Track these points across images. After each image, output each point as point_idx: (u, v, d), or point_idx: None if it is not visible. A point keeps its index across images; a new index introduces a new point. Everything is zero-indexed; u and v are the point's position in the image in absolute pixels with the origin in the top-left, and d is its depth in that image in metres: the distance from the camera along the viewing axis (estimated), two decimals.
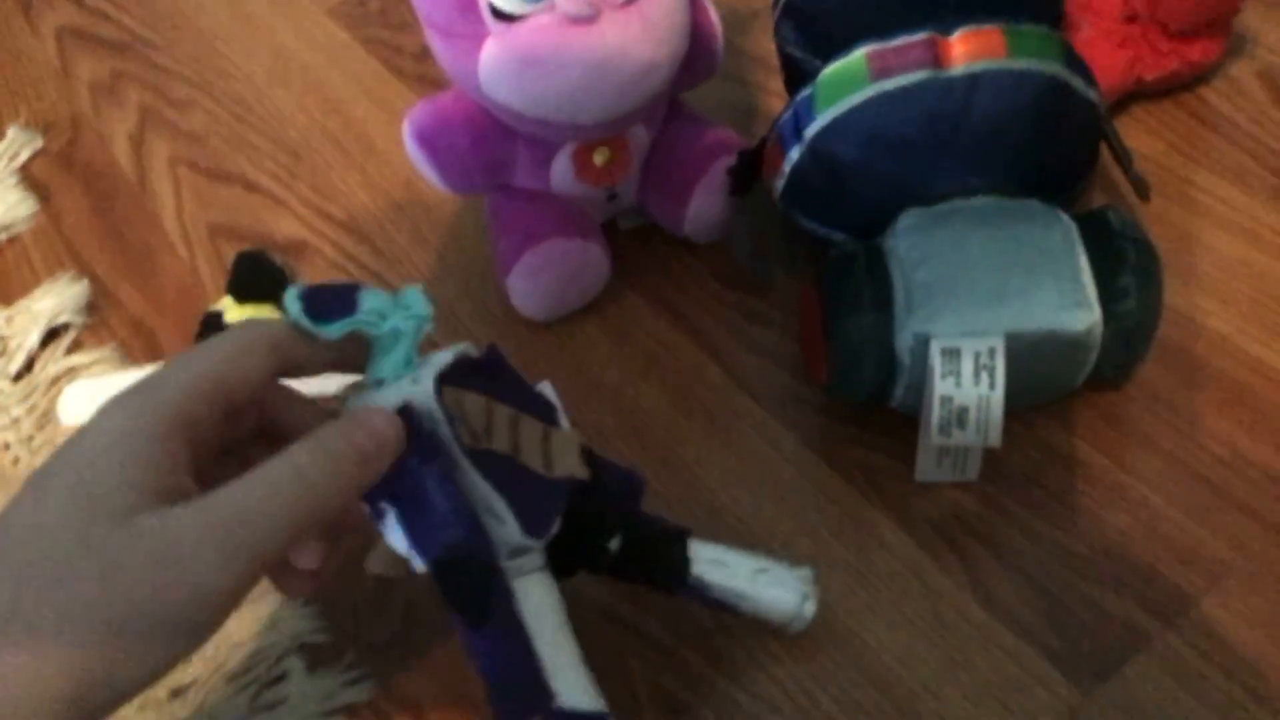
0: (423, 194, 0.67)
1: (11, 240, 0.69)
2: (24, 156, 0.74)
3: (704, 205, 0.57)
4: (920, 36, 0.48)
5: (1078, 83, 0.48)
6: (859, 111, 0.48)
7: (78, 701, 0.28)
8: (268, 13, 0.84)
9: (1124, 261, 0.46)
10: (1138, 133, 0.61)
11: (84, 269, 0.66)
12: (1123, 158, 0.52)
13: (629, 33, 0.48)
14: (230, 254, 0.62)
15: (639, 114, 0.53)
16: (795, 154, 0.51)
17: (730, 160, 0.57)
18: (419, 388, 0.36)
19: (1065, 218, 0.47)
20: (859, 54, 0.49)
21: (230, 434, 0.35)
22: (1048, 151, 0.49)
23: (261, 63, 0.79)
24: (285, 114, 0.75)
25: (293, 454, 0.33)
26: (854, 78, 0.48)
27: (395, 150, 0.69)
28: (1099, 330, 0.46)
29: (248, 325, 0.36)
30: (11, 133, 0.76)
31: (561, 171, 0.56)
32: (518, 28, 0.48)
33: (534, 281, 0.56)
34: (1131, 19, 0.58)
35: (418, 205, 0.66)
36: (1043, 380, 0.48)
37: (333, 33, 0.81)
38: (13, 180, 0.72)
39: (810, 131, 0.50)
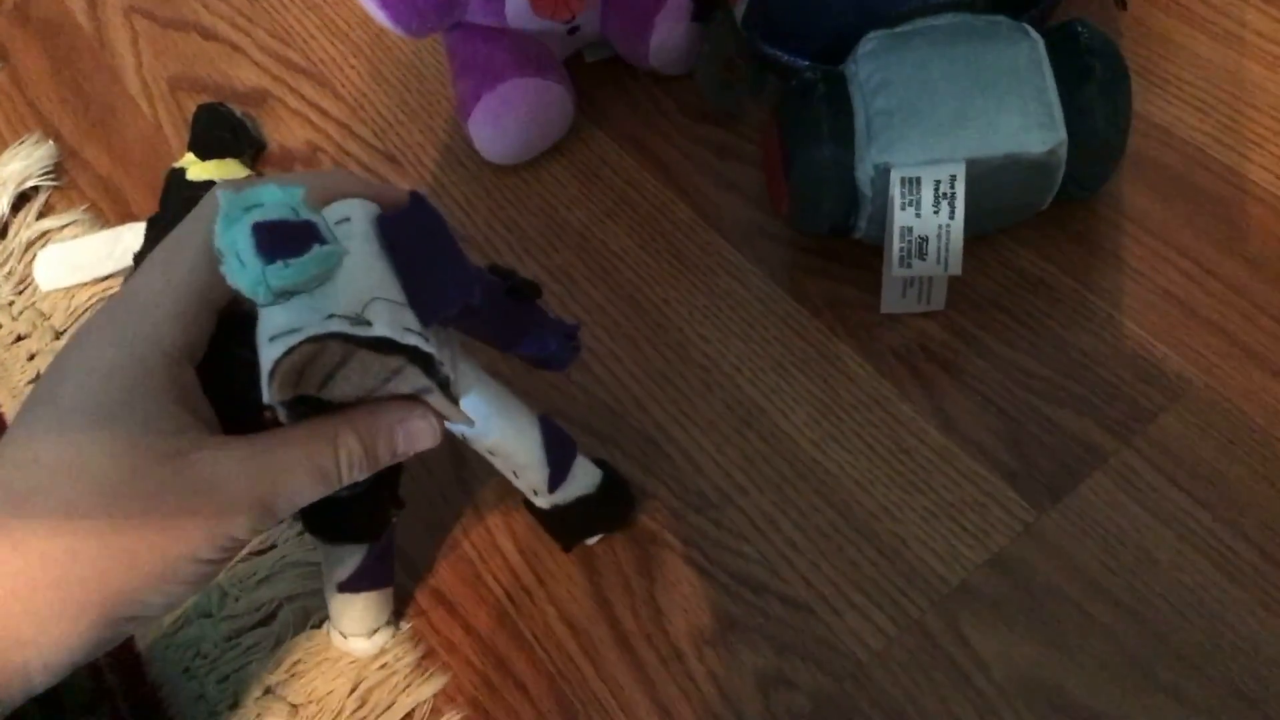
0: (382, 34, 0.65)
1: None
2: None
3: (667, 33, 0.55)
4: None
5: None
6: None
7: (108, 601, 0.29)
8: None
9: (1090, 77, 0.44)
10: None
11: (49, 130, 0.65)
12: None
13: None
14: (192, 107, 0.61)
15: None
16: None
17: None
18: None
19: (1032, 34, 0.45)
20: None
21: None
22: None
23: None
24: None
25: (340, 435, 0.31)
26: None
27: None
28: (1063, 150, 0.45)
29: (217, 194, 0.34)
30: None
31: (517, 4, 0.54)
32: None
33: (495, 124, 0.55)
34: None
35: (377, 46, 0.65)
36: (1008, 203, 0.47)
37: None
38: None
39: None
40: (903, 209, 0.44)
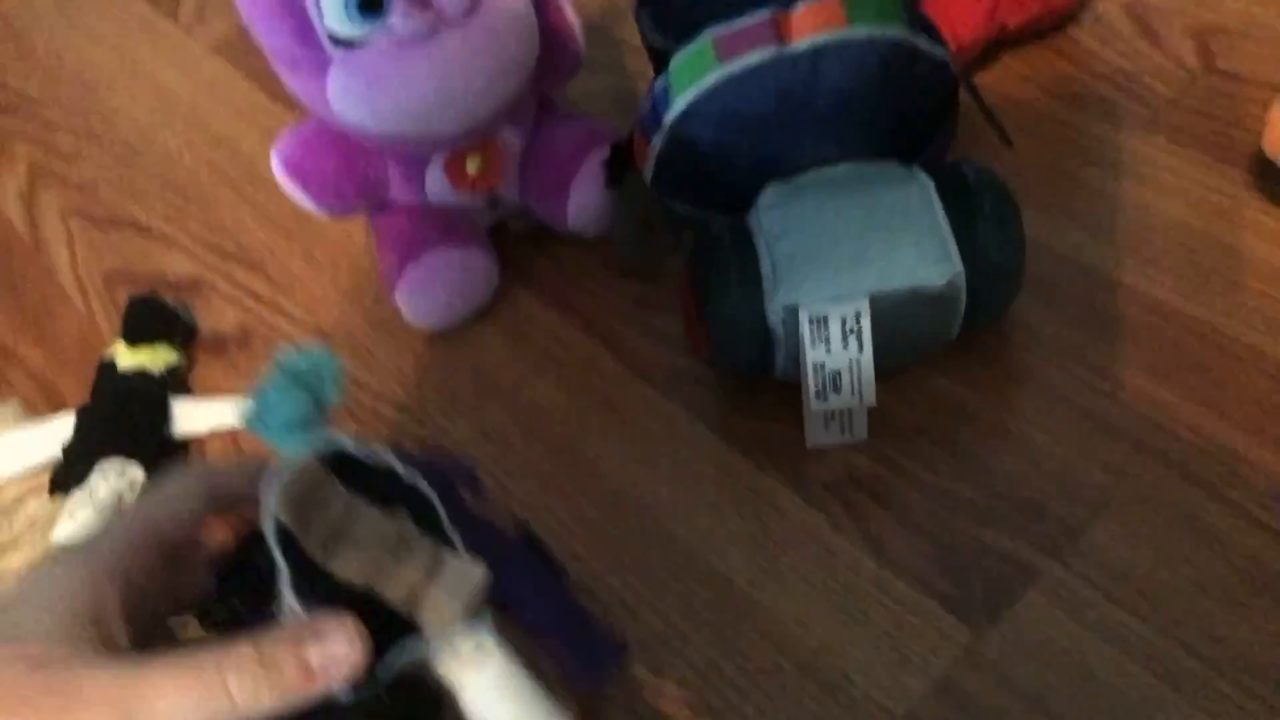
0: (311, 218, 0.67)
1: None
2: None
3: (584, 198, 0.58)
4: (762, 16, 0.48)
5: (923, 42, 0.48)
6: (711, 94, 0.49)
7: None
8: (150, 56, 0.83)
9: (980, 213, 0.47)
10: (1010, 78, 0.62)
11: None
12: (983, 109, 0.53)
13: (471, 45, 0.48)
14: (126, 299, 0.62)
15: (501, 118, 0.54)
16: (658, 142, 0.51)
17: (603, 153, 0.57)
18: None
19: (921, 176, 0.48)
20: (705, 38, 0.49)
21: (175, 576, 0.35)
22: (900, 114, 0.50)
23: (147, 106, 0.79)
24: (172, 154, 0.75)
25: (227, 658, 0.30)
26: (703, 62, 0.49)
27: None
28: (961, 282, 0.46)
29: (181, 472, 0.36)
30: None
31: (435, 183, 0.56)
32: (359, 52, 0.48)
33: (421, 294, 0.56)
34: None
35: (308, 230, 0.66)
36: (916, 335, 0.49)
37: (216, 68, 0.81)
38: None
39: (669, 118, 0.50)
40: (813, 346, 0.46)
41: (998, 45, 0.63)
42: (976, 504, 0.47)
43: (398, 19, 0.47)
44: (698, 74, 0.49)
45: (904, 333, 0.48)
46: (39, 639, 0.30)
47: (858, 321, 0.45)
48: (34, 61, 0.86)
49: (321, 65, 0.49)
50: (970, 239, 0.47)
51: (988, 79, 0.62)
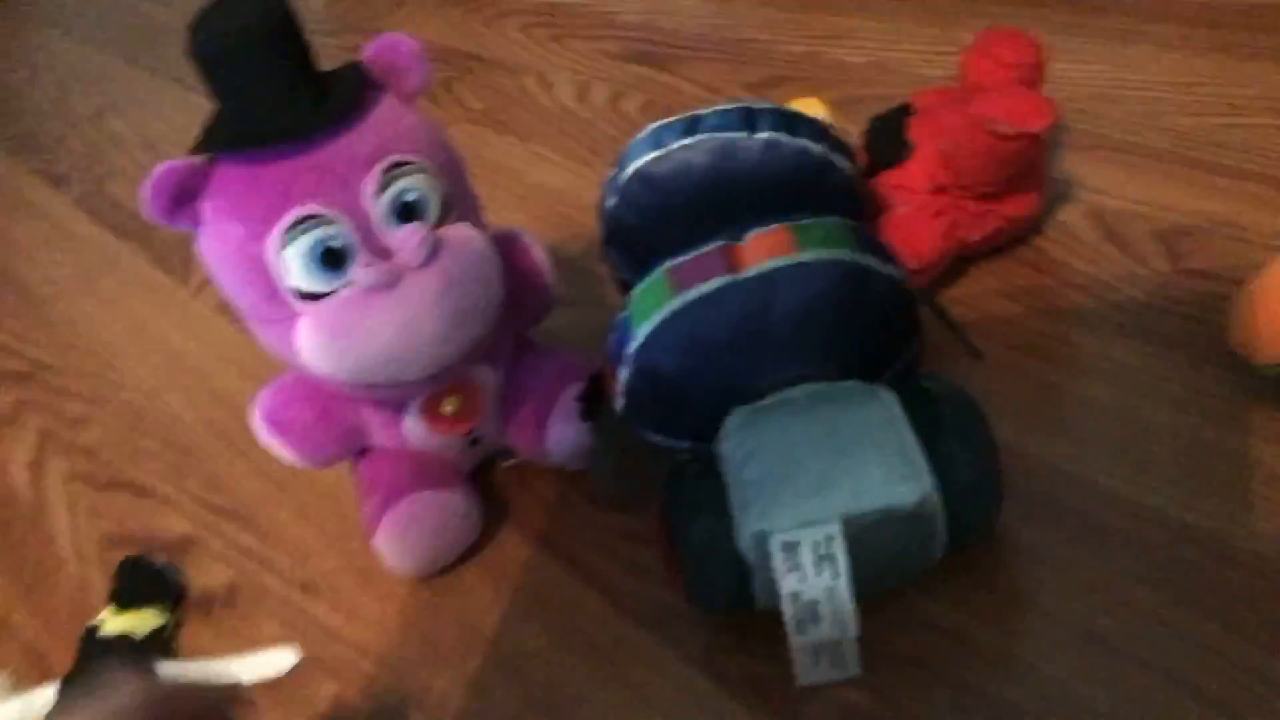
0: (305, 470, 0.67)
1: None
2: None
3: (563, 433, 0.58)
4: (713, 246, 0.49)
5: (873, 262, 0.49)
6: (670, 323, 0.49)
7: None
8: (159, 320, 0.87)
9: (943, 426, 0.46)
10: (981, 291, 0.63)
11: None
12: (948, 323, 0.53)
13: (431, 290, 0.49)
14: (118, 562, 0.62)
15: (474, 359, 0.55)
16: (625, 374, 0.51)
17: (578, 387, 0.58)
18: None
19: (884, 393, 0.48)
20: (660, 271, 0.50)
21: None
22: (859, 332, 0.50)
23: (154, 369, 0.82)
24: (176, 414, 0.76)
25: None
26: (660, 292, 0.50)
27: None
28: (935, 498, 0.45)
29: (119, 684, 0.35)
30: None
31: (414, 427, 0.57)
32: (324, 304, 0.49)
33: (400, 540, 0.56)
34: (941, 190, 0.61)
35: (300, 482, 0.67)
36: (898, 557, 0.47)
37: (220, 328, 0.84)
38: None
39: (631, 350, 0.51)
40: (787, 574, 0.44)
41: (966, 259, 0.63)
42: None
43: (359, 271, 0.49)
44: (656, 304, 0.50)
45: (884, 556, 0.46)
46: None
47: (829, 547, 0.44)
48: (51, 330, 0.90)
49: (290, 320, 0.50)
50: (938, 453, 0.46)
51: (958, 293, 0.63)
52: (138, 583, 0.60)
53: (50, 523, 0.71)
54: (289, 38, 0.47)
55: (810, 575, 0.44)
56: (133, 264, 0.97)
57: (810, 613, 0.44)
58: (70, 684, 0.55)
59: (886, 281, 0.50)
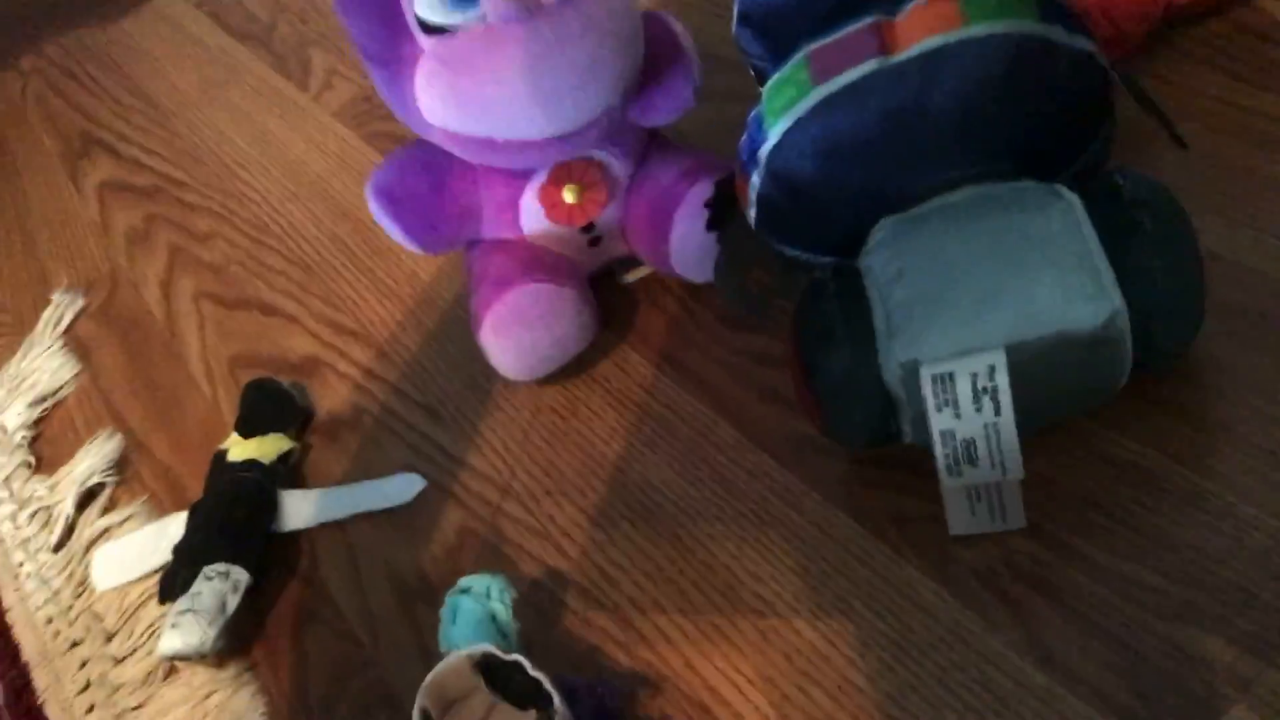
0: (428, 289, 0.64)
1: (57, 406, 0.70)
2: (67, 320, 0.76)
3: (687, 234, 0.52)
4: (863, 24, 0.42)
5: (1059, 34, 0.40)
6: (807, 122, 0.42)
7: None
8: (281, 129, 0.84)
9: (1139, 233, 0.38)
10: (1187, 65, 0.53)
11: (119, 423, 0.67)
12: (1148, 105, 0.44)
13: (568, 30, 0.45)
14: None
15: (598, 134, 0.49)
16: (756, 179, 0.45)
17: (707, 190, 0.52)
18: None
19: (1066, 194, 0.40)
20: (799, 56, 0.43)
21: None
22: (1035, 121, 0.42)
23: (277, 181, 0.79)
24: (298, 228, 0.74)
25: None
26: (797, 84, 0.43)
27: (401, 248, 0.67)
28: (1123, 319, 0.38)
29: None
30: (56, 297, 0.78)
31: (530, 212, 0.52)
32: (449, 40, 0.46)
33: (506, 336, 0.52)
34: None
35: (423, 302, 0.64)
36: (1073, 387, 0.40)
37: (341, 135, 0.80)
38: (58, 345, 0.74)
39: (764, 151, 0.44)
40: (939, 410, 0.38)
41: (1169, 26, 0.53)
42: (1165, 593, 0.38)
43: (492, 7, 0.45)
44: (793, 97, 0.43)
45: (1056, 386, 0.40)
46: None
47: (991, 378, 0.38)
48: (178, 144, 0.89)
49: (410, 59, 0.47)
50: (1130, 266, 0.38)
51: (1160, 68, 0.52)
52: (264, 406, 0.59)
53: (181, 343, 0.70)
54: None
55: (967, 411, 0.38)
56: (254, 70, 0.94)
57: (966, 453, 0.38)
58: (197, 512, 0.55)
59: (1073, 55, 0.41)
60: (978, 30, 0.40)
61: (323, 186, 0.76)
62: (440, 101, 0.47)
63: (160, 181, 0.86)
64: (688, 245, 0.52)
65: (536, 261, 0.53)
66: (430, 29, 0.46)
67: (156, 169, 0.87)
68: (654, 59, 0.51)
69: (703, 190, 0.52)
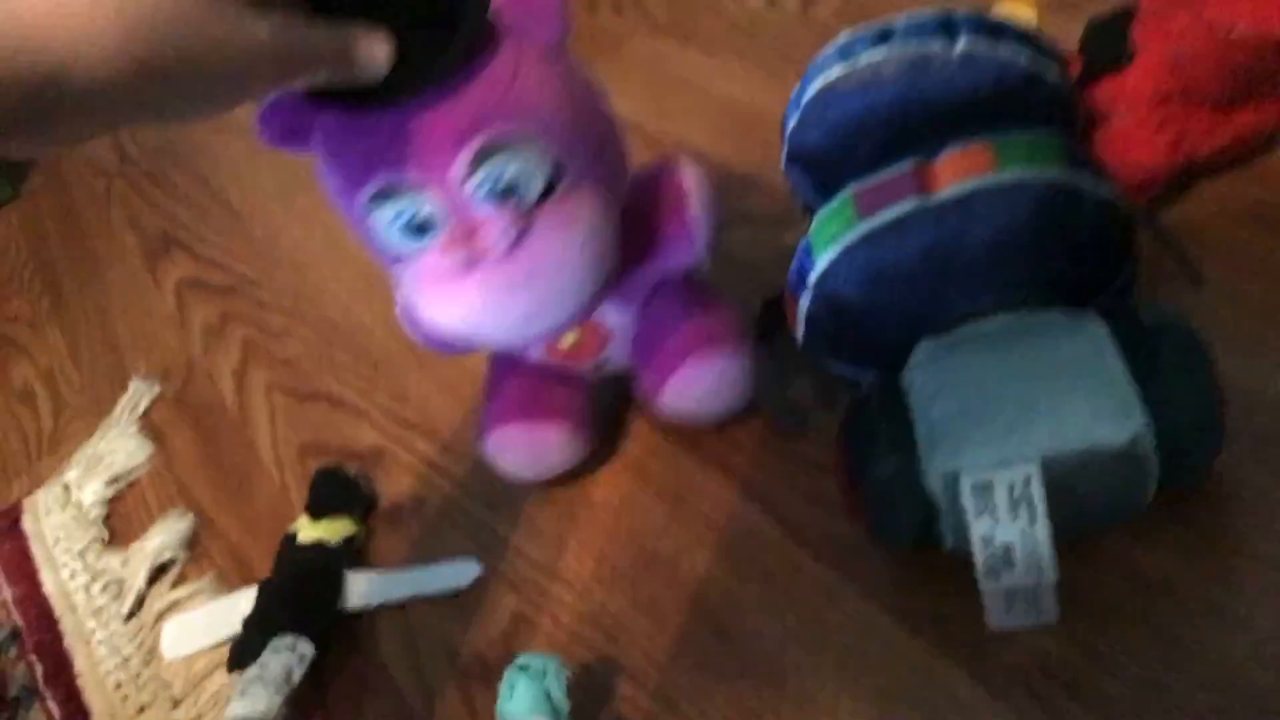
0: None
1: (131, 485, 0.74)
2: (144, 405, 0.80)
3: (678, 398, 0.55)
4: (904, 167, 0.46)
5: (1085, 182, 0.45)
6: (854, 251, 0.47)
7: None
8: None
9: (1160, 359, 0.42)
10: (1207, 212, 0.57)
11: (191, 503, 0.70)
12: (1168, 244, 0.48)
13: (509, 281, 0.45)
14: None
15: (582, 317, 0.50)
16: (805, 301, 0.49)
17: (700, 371, 0.54)
18: None
19: (1092, 322, 0.44)
20: (846, 194, 0.48)
21: None
22: (1062, 259, 0.46)
23: (347, 284, 0.84)
24: (367, 327, 0.79)
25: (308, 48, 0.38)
26: (844, 218, 0.47)
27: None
28: (1148, 437, 0.41)
29: None
30: (133, 384, 0.82)
31: (534, 349, 0.57)
32: (413, 264, 0.47)
33: (498, 460, 0.58)
34: (1166, 99, 0.55)
35: (482, 398, 0.68)
36: (1103, 500, 0.43)
37: None
38: (133, 429, 0.78)
39: (813, 277, 0.48)
40: (978, 517, 0.41)
41: (1191, 176, 0.57)
42: (1191, 698, 0.41)
43: (435, 251, 0.46)
44: (839, 230, 0.47)
45: (1087, 499, 0.43)
46: None
47: (1027, 488, 0.41)
48: (253, 246, 0.94)
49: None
50: (1155, 388, 0.42)
51: (1181, 213, 0.57)
52: (332, 492, 0.63)
53: (253, 431, 0.75)
54: None
55: (1004, 519, 0.41)
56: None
57: (1004, 558, 0.41)
58: (267, 588, 0.58)
59: (1098, 203, 0.45)
60: (1009, 176, 0.44)
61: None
62: (412, 308, 0.49)
63: (236, 280, 0.91)
64: (677, 407, 0.56)
65: (540, 391, 0.57)
66: (397, 255, 0.47)
67: (233, 269, 0.93)
68: (661, 216, 0.53)
69: (694, 372, 0.54)
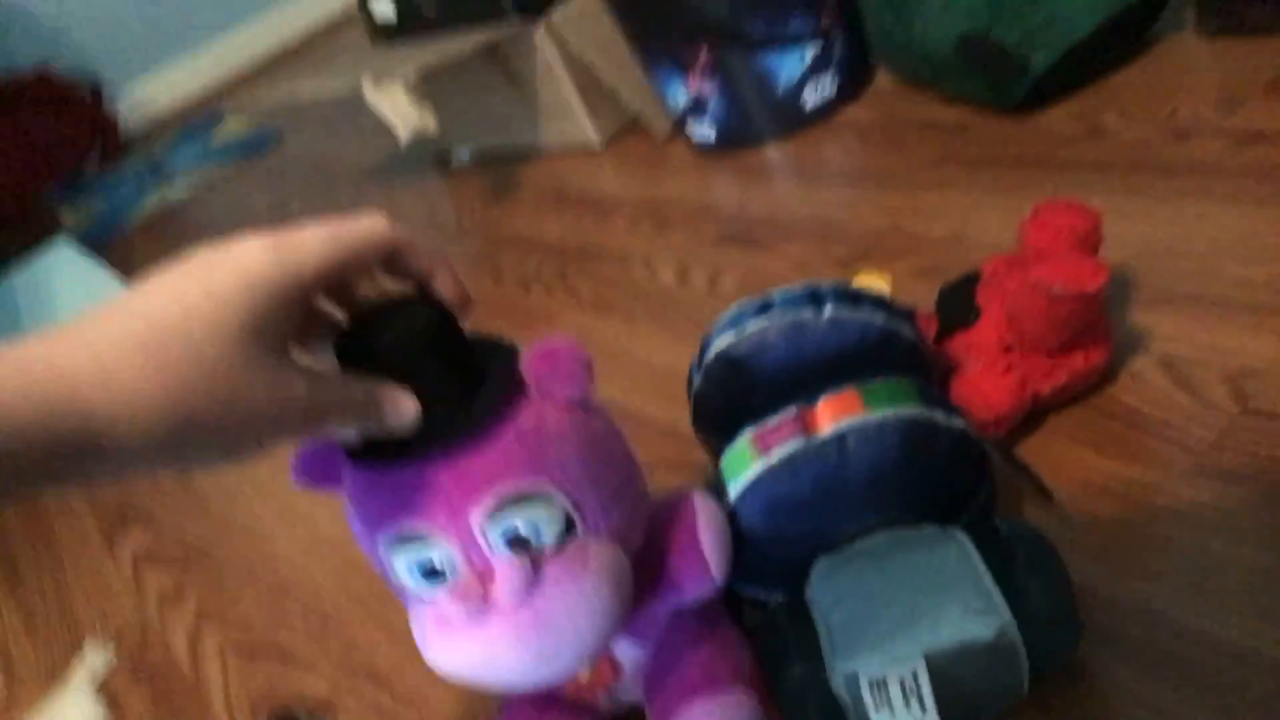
0: None
1: None
2: (98, 669, 0.83)
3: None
4: (790, 412, 0.55)
5: (939, 418, 0.54)
6: (756, 485, 0.54)
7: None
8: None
9: (1016, 561, 0.50)
10: (1058, 439, 0.66)
11: None
12: (1018, 467, 0.57)
13: (518, 634, 0.46)
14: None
15: (590, 661, 0.51)
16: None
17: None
18: None
19: (959, 535, 0.52)
20: (745, 437, 0.56)
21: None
22: (928, 481, 0.54)
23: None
24: (319, 585, 0.84)
25: (352, 400, 0.42)
26: (746, 458, 0.55)
27: None
28: (1013, 631, 0.48)
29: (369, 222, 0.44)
30: (88, 648, 0.85)
31: None
32: (423, 610, 0.48)
33: None
34: (1008, 348, 0.65)
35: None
36: (984, 690, 0.50)
37: None
38: (88, 694, 0.80)
39: (725, 505, 0.56)
40: (878, 711, 0.47)
41: (1042, 411, 0.67)
42: None
43: (445, 598, 0.46)
44: (742, 469, 0.55)
45: (970, 689, 0.49)
46: (268, 330, 0.38)
47: (916, 682, 0.47)
48: (208, 519, 1.00)
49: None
50: (1013, 589, 0.49)
51: (1033, 443, 0.66)
52: None
53: (207, 691, 0.78)
54: (428, 351, 0.46)
55: (900, 711, 0.47)
56: (281, 451, 1.07)
57: None
58: None
59: (952, 433, 0.54)
60: (875, 415, 0.53)
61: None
62: (421, 647, 0.49)
63: (191, 551, 0.96)
64: None
65: (545, 709, 0.57)
66: (410, 593, 0.48)
67: (188, 539, 0.98)
68: (674, 549, 0.54)
69: (701, 712, 0.53)
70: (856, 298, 0.58)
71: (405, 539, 0.47)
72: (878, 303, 0.58)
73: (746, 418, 0.57)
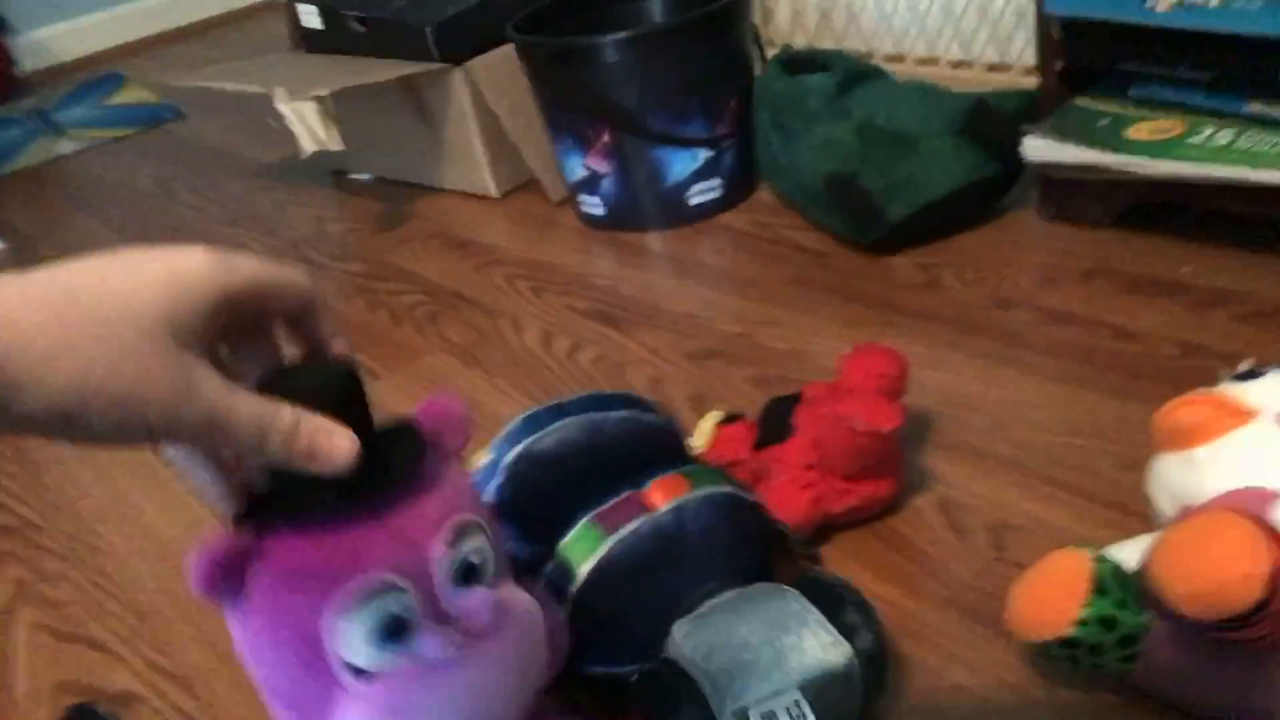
0: None
1: None
2: None
3: None
4: (623, 494, 0.63)
5: (745, 493, 0.65)
6: (608, 561, 0.61)
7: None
8: (139, 493, 0.98)
9: (844, 603, 0.59)
10: (840, 556, 0.74)
11: None
12: (793, 547, 0.68)
13: (501, 660, 0.47)
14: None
15: None
16: (565, 611, 0.61)
17: None
18: None
19: (786, 588, 0.61)
20: (585, 521, 0.63)
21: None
22: (747, 545, 0.64)
23: (127, 537, 0.92)
24: (140, 581, 0.86)
25: (272, 418, 0.42)
26: (591, 538, 0.62)
27: None
28: (855, 661, 0.57)
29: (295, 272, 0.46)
30: None
31: None
32: (381, 683, 0.45)
33: None
34: (810, 468, 0.74)
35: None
36: (840, 714, 0.57)
37: (192, 507, 0.94)
38: None
39: (573, 590, 0.61)
40: None
41: (832, 528, 0.75)
42: None
43: (426, 642, 0.45)
44: (591, 548, 0.61)
45: (833, 714, 0.57)
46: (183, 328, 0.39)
47: (800, 708, 0.55)
48: (41, 492, 1.01)
49: (327, 699, 0.46)
50: (846, 626, 0.58)
51: (821, 553, 0.74)
52: None
53: (13, 670, 0.79)
54: (355, 403, 0.46)
55: None
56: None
57: None
58: None
59: (757, 507, 0.65)
60: (701, 491, 0.63)
61: (169, 548, 0.90)
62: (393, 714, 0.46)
63: (17, 523, 0.97)
64: None
65: None
66: (359, 672, 0.45)
67: (16, 511, 0.99)
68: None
69: None
70: (643, 403, 0.68)
71: (369, 594, 0.45)
72: (646, 403, 0.69)
73: (556, 516, 0.63)
